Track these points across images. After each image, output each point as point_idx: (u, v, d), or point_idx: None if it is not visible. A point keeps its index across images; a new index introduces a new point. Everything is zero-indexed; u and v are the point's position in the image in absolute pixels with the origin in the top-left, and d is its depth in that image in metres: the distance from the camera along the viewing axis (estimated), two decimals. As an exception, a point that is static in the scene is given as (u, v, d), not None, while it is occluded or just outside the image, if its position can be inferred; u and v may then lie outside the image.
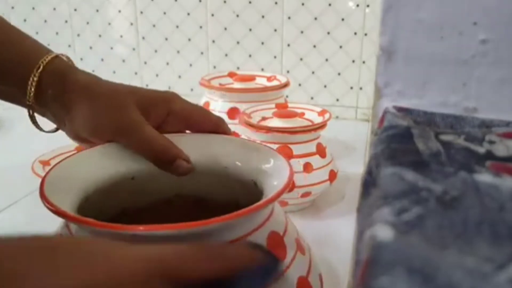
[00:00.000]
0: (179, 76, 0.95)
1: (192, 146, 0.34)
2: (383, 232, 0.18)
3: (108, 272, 0.18)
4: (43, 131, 0.35)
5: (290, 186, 0.28)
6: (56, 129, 0.37)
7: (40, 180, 0.28)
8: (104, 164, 0.32)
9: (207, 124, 0.34)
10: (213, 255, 0.20)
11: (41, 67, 0.33)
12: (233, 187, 0.34)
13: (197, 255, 0.20)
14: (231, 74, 0.70)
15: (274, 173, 0.31)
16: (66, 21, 0.98)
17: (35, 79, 0.33)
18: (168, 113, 0.33)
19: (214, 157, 0.34)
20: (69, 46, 0.99)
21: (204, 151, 0.34)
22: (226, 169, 0.34)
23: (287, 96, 0.72)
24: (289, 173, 0.29)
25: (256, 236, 0.27)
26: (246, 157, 0.33)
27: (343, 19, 0.83)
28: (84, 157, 0.32)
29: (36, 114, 0.37)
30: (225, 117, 0.63)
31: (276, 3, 0.85)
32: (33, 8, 0.99)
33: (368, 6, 0.81)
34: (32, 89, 0.33)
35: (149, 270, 0.18)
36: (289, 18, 0.85)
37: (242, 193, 0.34)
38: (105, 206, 0.32)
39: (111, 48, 0.97)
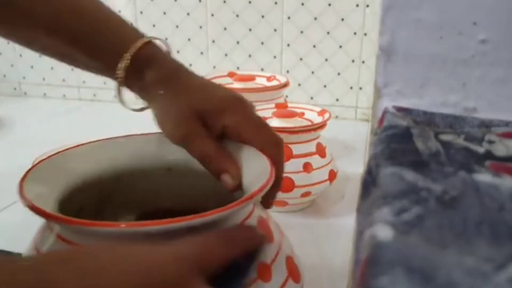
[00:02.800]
0: (179, 76, 0.95)
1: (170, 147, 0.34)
2: (383, 232, 0.18)
3: (143, 275, 0.20)
4: (130, 109, 0.36)
5: (270, 186, 0.28)
6: (142, 109, 0.36)
7: None
8: (92, 161, 0.33)
9: (257, 144, 0.32)
10: (229, 240, 0.24)
11: (132, 52, 0.34)
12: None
13: (216, 243, 0.23)
14: (231, 74, 0.70)
15: (256, 174, 0.30)
16: (66, 21, 0.98)
17: (127, 63, 0.34)
18: (223, 126, 0.32)
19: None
20: (69, 46, 0.99)
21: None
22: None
23: (286, 96, 0.72)
24: (270, 173, 0.29)
25: None
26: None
27: (342, 19, 0.83)
28: (72, 153, 0.33)
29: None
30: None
31: (276, 3, 0.85)
32: (33, 8, 0.99)
33: (367, 6, 0.81)
34: (122, 71, 0.34)
35: (179, 268, 0.20)
36: (289, 18, 0.85)
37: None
38: (86, 203, 0.32)
39: (111, 48, 0.97)
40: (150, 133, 0.36)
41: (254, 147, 0.32)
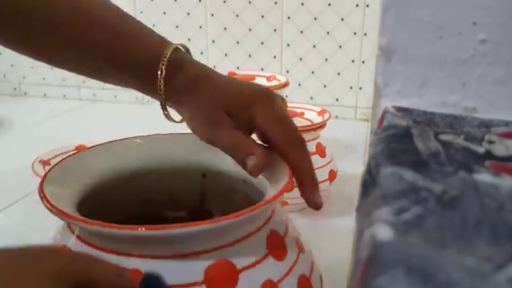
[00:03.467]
0: (179, 76, 0.95)
1: (182, 147, 0.35)
2: (383, 232, 0.18)
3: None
4: (174, 121, 0.35)
5: (290, 186, 0.29)
6: (182, 120, 0.36)
7: (40, 180, 0.28)
8: (108, 161, 0.33)
9: (281, 143, 0.32)
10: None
11: (166, 60, 0.33)
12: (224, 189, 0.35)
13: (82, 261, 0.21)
14: (231, 74, 0.70)
15: (272, 174, 0.31)
16: (66, 21, 0.98)
17: (163, 71, 0.33)
18: (251, 120, 0.32)
19: (202, 159, 0.35)
20: (69, 46, 0.99)
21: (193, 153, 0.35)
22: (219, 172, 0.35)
23: (286, 96, 0.72)
24: (289, 173, 0.30)
25: (256, 236, 0.28)
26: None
27: (342, 19, 0.83)
28: (86, 155, 0.33)
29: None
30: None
31: (275, 3, 0.85)
32: (33, 8, 0.99)
33: (367, 6, 0.81)
34: (162, 81, 0.33)
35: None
36: (288, 18, 0.85)
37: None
38: (105, 204, 0.32)
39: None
40: (175, 133, 0.36)
41: (277, 144, 0.32)
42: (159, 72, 0.33)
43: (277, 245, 0.28)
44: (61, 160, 0.31)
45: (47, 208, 0.26)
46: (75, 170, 0.31)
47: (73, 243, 0.27)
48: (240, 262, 0.26)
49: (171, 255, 0.25)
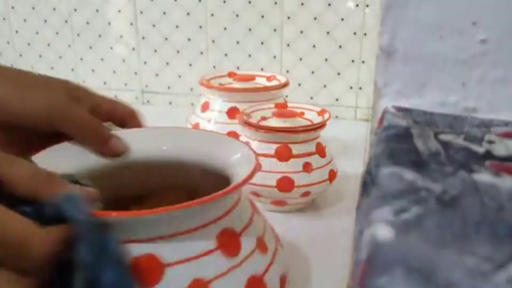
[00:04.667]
0: (179, 76, 0.95)
1: (159, 140, 0.34)
2: (383, 232, 0.18)
3: None
4: None
5: (252, 176, 0.28)
6: None
7: None
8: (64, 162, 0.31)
9: (127, 117, 0.33)
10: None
11: None
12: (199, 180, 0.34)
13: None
14: (230, 74, 0.70)
15: (240, 164, 0.30)
16: (66, 21, 0.98)
17: None
18: (92, 106, 0.31)
19: (182, 151, 0.34)
20: (69, 46, 0.99)
21: (172, 144, 0.34)
22: (194, 163, 0.33)
23: (286, 96, 0.72)
24: (255, 164, 0.29)
25: (210, 228, 0.27)
26: (215, 149, 0.33)
27: (342, 19, 0.83)
28: (59, 149, 0.31)
29: None
30: (225, 117, 0.63)
31: (275, 3, 0.85)
32: (33, 8, 0.99)
33: (367, 6, 0.81)
34: None
35: None
36: (288, 18, 0.85)
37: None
38: None
39: (111, 48, 0.97)
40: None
41: (125, 121, 0.33)
42: None
43: (228, 242, 0.27)
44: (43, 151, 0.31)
45: None
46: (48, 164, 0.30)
47: None
48: (170, 256, 0.25)
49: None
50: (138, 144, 0.34)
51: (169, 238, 0.25)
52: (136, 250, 0.24)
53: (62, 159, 0.31)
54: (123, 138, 0.33)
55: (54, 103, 0.29)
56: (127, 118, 0.33)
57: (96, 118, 0.31)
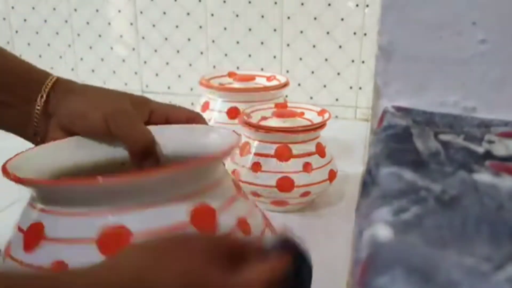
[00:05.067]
0: (179, 76, 0.95)
1: (177, 137, 0.34)
2: (382, 232, 0.18)
3: None
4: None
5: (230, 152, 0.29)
6: None
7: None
8: (66, 155, 0.33)
9: (184, 119, 0.36)
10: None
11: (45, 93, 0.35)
12: None
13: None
14: (230, 74, 0.70)
15: (220, 144, 0.31)
16: (66, 21, 0.98)
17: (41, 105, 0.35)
18: (151, 111, 0.35)
19: (199, 147, 0.34)
20: (69, 46, 0.99)
21: (187, 141, 0.34)
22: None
23: (286, 96, 0.72)
24: (233, 140, 0.30)
25: (185, 202, 0.27)
26: (202, 140, 0.34)
27: (342, 19, 0.83)
28: (46, 149, 0.33)
29: None
30: (225, 117, 0.63)
31: (275, 3, 0.85)
32: (33, 8, 0.99)
33: (367, 6, 0.81)
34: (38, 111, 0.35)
35: None
36: (288, 18, 0.86)
37: None
38: None
39: (111, 48, 0.97)
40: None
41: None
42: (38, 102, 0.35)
43: (201, 217, 0.27)
44: (22, 151, 0.31)
45: (13, 179, 0.26)
46: (35, 161, 0.31)
47: (36, 217, 0.27)
48: (138, 227, 0.25)
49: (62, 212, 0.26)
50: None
51: (138, 208, 0.25)
52: (105, 221, 0.25)
53: (70, 151, 0.33)
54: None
55: (108, 115, 0.33)
56: (192, 121, 0.36)
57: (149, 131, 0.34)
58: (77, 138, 0.34)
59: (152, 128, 0.34)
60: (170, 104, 0.37)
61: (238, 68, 0.90)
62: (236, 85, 0.67)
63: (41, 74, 0.36)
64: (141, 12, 0.93)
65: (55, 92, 0.35)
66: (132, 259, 0.21)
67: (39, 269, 0.25)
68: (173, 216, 0.26)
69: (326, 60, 0.86)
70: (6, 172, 0.27)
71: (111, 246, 0.25)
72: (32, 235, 0.26)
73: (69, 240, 0.25)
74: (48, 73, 0.36)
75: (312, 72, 0.87)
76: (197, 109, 0.66)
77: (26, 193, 0.28)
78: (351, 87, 0.87)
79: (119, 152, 0.34)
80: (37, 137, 0.36)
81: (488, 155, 0.24)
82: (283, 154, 0.50)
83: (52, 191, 0.26)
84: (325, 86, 0.88)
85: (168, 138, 0.34)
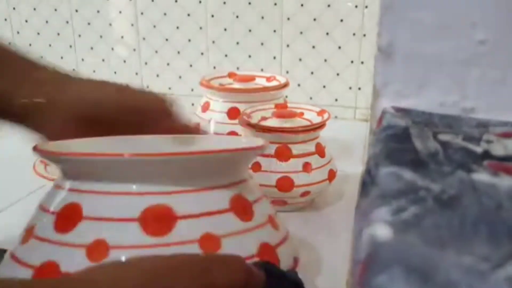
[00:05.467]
0: (180, 77, 0.95)
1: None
2: (381, 231, 0.18)
3: None
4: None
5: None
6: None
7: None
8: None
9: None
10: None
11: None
12: None
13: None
14: (231, 75, 0.70)
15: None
16: (67, 22, 0.98)
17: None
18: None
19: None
20: (70, 46, 0.99)
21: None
22: None
23: (286, 96, 0.72)
24: (263, 142, 0.33)
25: (225, 190, 0.29)
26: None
27: (342, 20, 0.83)
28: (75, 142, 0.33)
29: None
30: (225, 117, 0.64)
31: (275, 4, 0.85)
32: (34, 9, 0.99)
33: (366, 7, 0.81)
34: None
35: None
36: (288, 19, 0.86)
37: None
38: None
39: (112, 48, 0.97)
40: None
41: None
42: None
43: (240, 206, 0.29)
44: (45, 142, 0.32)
45: (44, 155, 0.27)
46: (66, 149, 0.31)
47: (63, 197, 0.27)
48: (183, 210, 0.26)
49: (102, 191, 0.26)
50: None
51: (185, 192, 0.27)
52: (149, 200, 0.26)
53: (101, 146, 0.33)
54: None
55: (121, 90, 0.35)
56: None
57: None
58: (109, 137, 0.34)
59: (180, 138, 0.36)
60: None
61: (238, 68, 0.90)
62: (236, 85, 0.67)
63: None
64: (141, 13, 0.93)
65: (41, 84, 0.35)
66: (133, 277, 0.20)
67: (79, 247, 0.25)
68: (215, 202, 0.28)
69: (325, 60, 0.86)
70: (41, 150, 0.28)
71: (154, 225, 0.25)
72: (67, 215, 0.27)
73: (110, 219, 0.26)
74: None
75: (312, 73, 0.88)
76: (198, 109, 0.66)
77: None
78: (350, 88, 0.87)
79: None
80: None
81: (487, 155, 0.24)
82: (283, 154, 0.50)
83: (98, 165, 0.26)
84: (324, 86, 0.88)
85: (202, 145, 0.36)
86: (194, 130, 0.37)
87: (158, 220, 0.26)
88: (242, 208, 0.29)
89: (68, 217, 0.26)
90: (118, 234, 0.25)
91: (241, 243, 0.27)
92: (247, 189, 0.30)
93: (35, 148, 0.28)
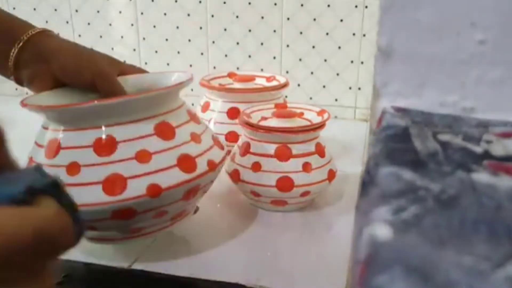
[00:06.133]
0: (179, 77, 0.95)
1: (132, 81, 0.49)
2: (381, 231, 0.18)
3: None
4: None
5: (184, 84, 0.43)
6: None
7: None
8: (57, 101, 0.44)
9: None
10: None
11: (21, 42, 0.45)
12: None
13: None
14: (231, 75, 0.70)
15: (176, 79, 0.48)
16: (67, 22, 0.98)
17: (15, 51, 0.45)
18: (120, 70, 0.48)
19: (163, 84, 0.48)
20: (69, 46, 0.99)
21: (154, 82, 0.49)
22: None
23: (286, 96, 0.72)
24: (188, 77, 0.44)
25: (151, 119, 0.40)
26: (166, 80, 0.49)
27: (341, 20, 0.83)
28: (40, 96, 0.45)
29: None
30: (225, 117, 0.64)
31: (275, 4, 0.85)
32: (34, 9, 0.99)
33: (366, 7, 0.81)
34: (12, 60, 0.45)
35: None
36: (288, 19, 0.86)
37: None
38: None
39: (112, 48, 0.97)
40: None
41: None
42: (12, 52, 0.44)
43: (163, 130, 0.40)
44: (30, 96, 0.44)
45: (31, 109, 0.39)
46: (40, 102, 0.42)
47: (52, 135, 0.39)
48: (121, 136, 0.38)
49: (71, 128, 0.39)
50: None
51: (122, 124, 0.38)
52: (99, 133, 0.38)
53: (62, 96, 0.45)
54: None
55: (96, 76, 0.44)
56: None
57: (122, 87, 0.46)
58: (65, 88, 0.46)
59: (125, 78, 0.48)
60: (130, 64, 0.51)
61: (238, 68, 0.90)
62: (236, 85, 0.67)
63: (22, 25, 0.48)
64: (141, 13, 0.93)
65: (42, 42, 0.46)
66: None
67: (61, 167, 0.38)
68: (143, 129, 0.39)
69: (325, 60, 0.86)
70: (28, 105, 0.39)
71: (103, 150, 0.37)
72: (51, 147, 0.39)
73: (77, 147, 0.38)
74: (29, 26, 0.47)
75: (312, 73, 0.88)
76: (198, 109, 0.67)
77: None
78: (350, 88, 0.87)
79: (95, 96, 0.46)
80: (20, 77, 0.47)
81: (486, 155, 0.24)
82: (283, 154, 0.50)
83: (67, 113, 0.38)
84: (324, 86, 0.88)
85: (138, 82, 0.49)
86: (133, 70, 0.50)
87: (106, 145, 0.38)
88: (165, 131, 0.40)
89: (51, 148, 0.39)
90: (84, 157, 0.37)
91: (165, 156, 0.39)
92: (172, 117, 0.41)
93: (22, 103, 0.40)
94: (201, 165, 0.41)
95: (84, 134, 0.38)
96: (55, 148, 0.38)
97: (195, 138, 0.42)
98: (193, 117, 0.45)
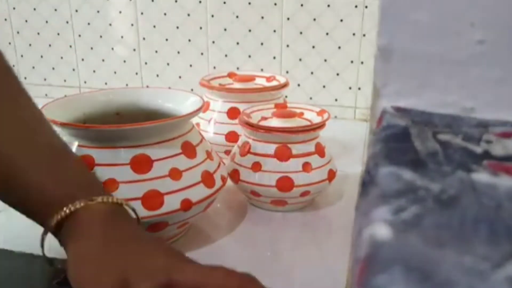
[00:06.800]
0: (179, 77, 0.95)
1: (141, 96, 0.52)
2: (381, 231, 0.18)
3: None
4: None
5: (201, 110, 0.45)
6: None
7: None
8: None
9: None
10: None
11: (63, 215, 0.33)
12: None
13: None
14: (231, 75, 0.70)
15: (190, 105, 0.48)
16: (67, 22, 0.98)
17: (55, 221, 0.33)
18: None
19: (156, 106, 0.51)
20: (70, 46, 1.00)
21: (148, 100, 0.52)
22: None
23: (286, 96, 0.72)
24: (202, 103, 0.46)
25: (178, 140, 0.43)
26: (177, 101, 0.50)
27: (341, 20, 0.83)
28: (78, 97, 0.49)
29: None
30: (225, 117, 0.64)
31: (275, 4, 0.85)
32: (34, 9, 0.99)
33: (366, 7, 0.81)
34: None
35: None
36: (288, 19, 0.86)
37: None
38: None
39: (112, 48, 0.97)
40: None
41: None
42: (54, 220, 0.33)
43: (188, 149, 0.44)
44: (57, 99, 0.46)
45: (58, 124, 0.40)
46: (71, 105, 0.46)
47: (85, 152, 0.41)
48: (155, 155, 0.41)
49: (106, 146, 0.41)
50: (127, 99, 0.51)
51: (154, 145, 0.41)
52: (134, 151, 0.41)
53: (67, 108, 0.46)
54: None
55: None
56: None
57: None
58: (71, 97, 0.49)
59: None
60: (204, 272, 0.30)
61: (238, 68, 0.90)
62: (236, 85, 0.67)
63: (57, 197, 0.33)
64: (141, 13, 0.93)
65: (67, 227, 0.33)
66: None
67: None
68: (172, 148, 0.43)
69: (325, 60, 0.86)
70: (57, 122, 0.40)
71: (140, 168, 0.40)
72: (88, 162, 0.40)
73: (113, 165, 0.40)
74: (68, 196, 0.33)
75: (312, 73, 0.88)
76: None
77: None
78: (350, 88, 0.87)
79: None
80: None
81: (486, 155, 0.24)
82: (283, 154, 0.50)
83: (105, 133, 0.40)
84: (324, 86, 0.88)
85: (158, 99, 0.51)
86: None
87: (142, 163, 0.41)
88: (189, 150, 0.44)
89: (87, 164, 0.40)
90: (121, 174, 0.40)
91: (192, 173, 0.43)
92: (192, 137, 0.45)
93: (52, 121, 0.40)
94: (217, 180, 0.45)
95: (119, 152, 0.40)
96: (89, 165, 0.40)
97: (209, 155, 0.46)
98: (203, 137, 0.48)
